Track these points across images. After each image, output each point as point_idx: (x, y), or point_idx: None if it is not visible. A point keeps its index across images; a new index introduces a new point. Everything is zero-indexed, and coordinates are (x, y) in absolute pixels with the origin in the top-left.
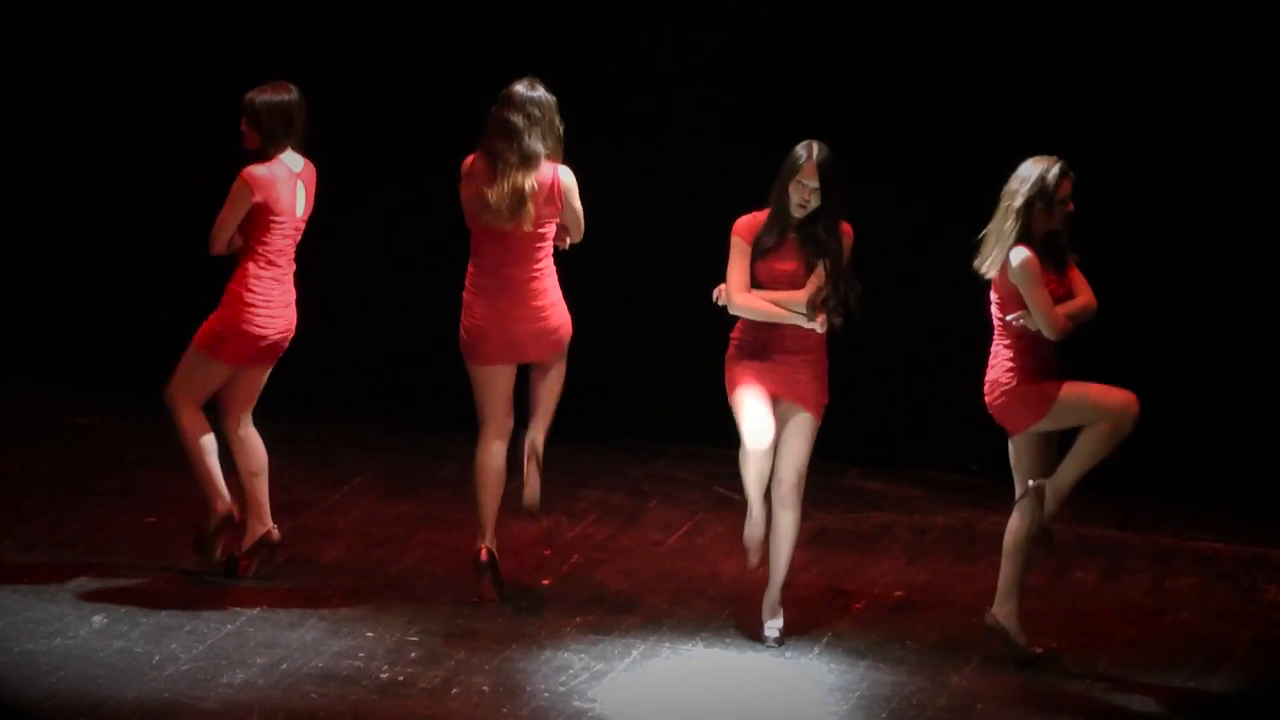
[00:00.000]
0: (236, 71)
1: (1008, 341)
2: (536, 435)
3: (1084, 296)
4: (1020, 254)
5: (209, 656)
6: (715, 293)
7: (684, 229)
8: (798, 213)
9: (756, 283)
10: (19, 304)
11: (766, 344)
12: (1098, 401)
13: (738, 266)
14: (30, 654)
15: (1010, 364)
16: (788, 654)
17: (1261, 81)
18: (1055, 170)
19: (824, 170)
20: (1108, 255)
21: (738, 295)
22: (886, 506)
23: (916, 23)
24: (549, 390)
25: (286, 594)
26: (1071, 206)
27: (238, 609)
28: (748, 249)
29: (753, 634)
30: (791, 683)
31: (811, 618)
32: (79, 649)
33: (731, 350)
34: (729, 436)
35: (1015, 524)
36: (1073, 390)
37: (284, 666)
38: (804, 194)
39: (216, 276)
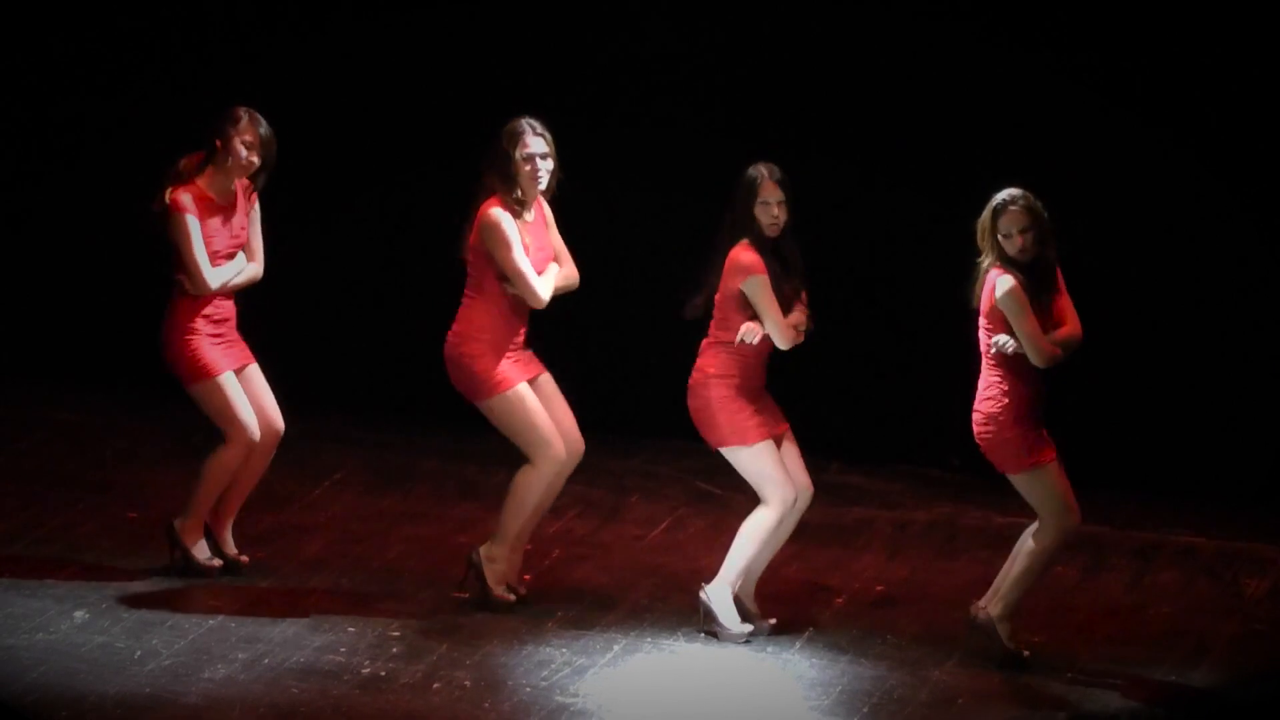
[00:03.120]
0: (232, 72)
1: (999, 373)
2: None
3: (1070, 325)
4: (1006, 282)
5: (190, 651)
6: (745, 330)
7: (662, 226)
8: (772, 232)
9: (792, 303)
10: (0, 300)
11: (756, 383)
12: (1059, 502)
13: (776, 303)
14: (11, 649)
15: (1004, 398)
16: (769, 649)
17: (1259, 79)
18: (996, 203)
19: (783, 183)
20: (1091, 255)
21: (790, 333)
22: (867, 501)
23: (909, 22)
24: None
25: (268, 589)
26: (1022, 240)
27: (219, 604)
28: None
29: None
30: (772, 677)
31: (793, 613)
32: (60, 644)
33: (725, 392)
34: None
35: (1035, 540)
36: (1052, 472)
37: (266, 661)
38: (772, 212)
39: None
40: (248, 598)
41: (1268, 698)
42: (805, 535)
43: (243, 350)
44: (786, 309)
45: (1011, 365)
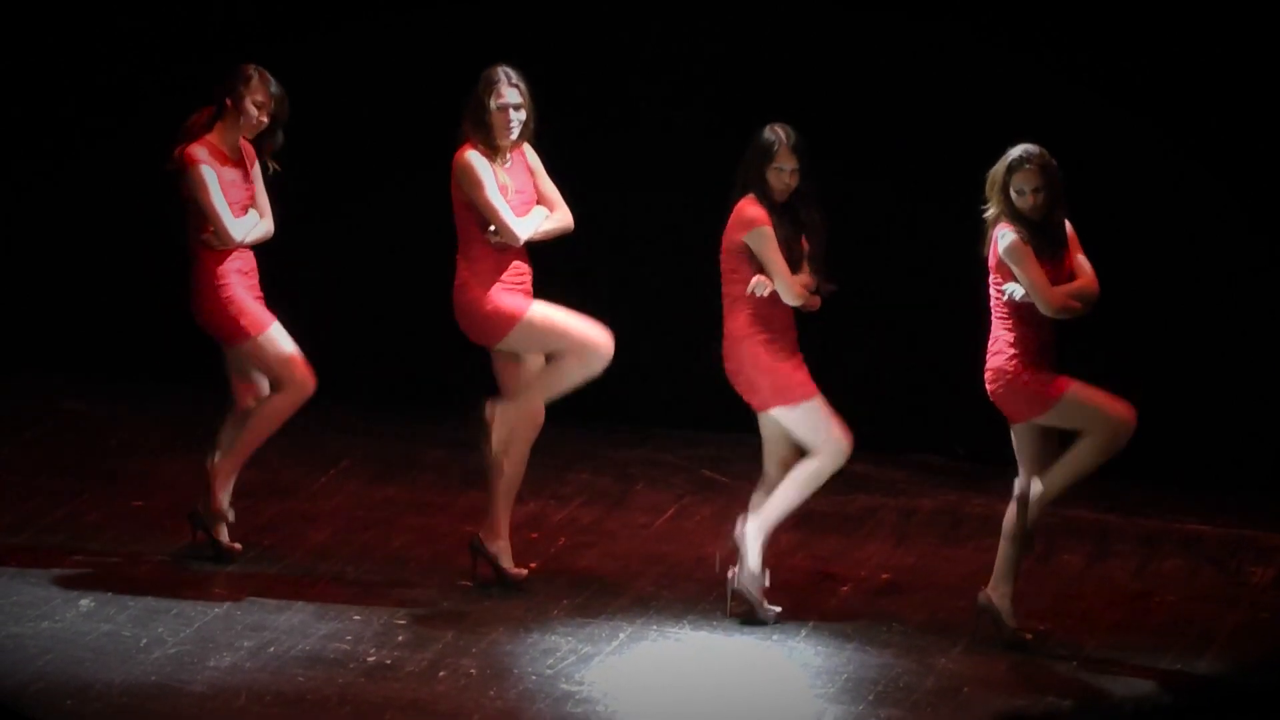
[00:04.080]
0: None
1: (1008, 324)
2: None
3: (1084, 278)
4: (1006, 235)
5: (196, 640)
6: (754, 283)
7: (667, 218)
8: (782, 197)
9: (799, 261)
10: (4, 290)
11: (788, 339)
12: (1098, 410)
13: (780, 257)
14: (17, 637)
15: (1011, 349)
16: (774, 637)
17: (1254, 74)
18: (1011, 158)
19: (799, 150)
20: (1096, 242)
21: (797, 288)
22: (873, 489)
23: (905, 17)
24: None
25: (273, 578)
26: (1034, 199)
27: (224, 592)
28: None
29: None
30: (778, 665)
31: (798, 601)
32: (66, 632)
33: (757, 350)
34: (714, 420)
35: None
36: (1077, 393)
37: (271, 649)
38: (785, 178)
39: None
40: (253, 586)
41: (1272, 686)
42: (810, 523)
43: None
44: (795, 270)
45: (1020, 315)
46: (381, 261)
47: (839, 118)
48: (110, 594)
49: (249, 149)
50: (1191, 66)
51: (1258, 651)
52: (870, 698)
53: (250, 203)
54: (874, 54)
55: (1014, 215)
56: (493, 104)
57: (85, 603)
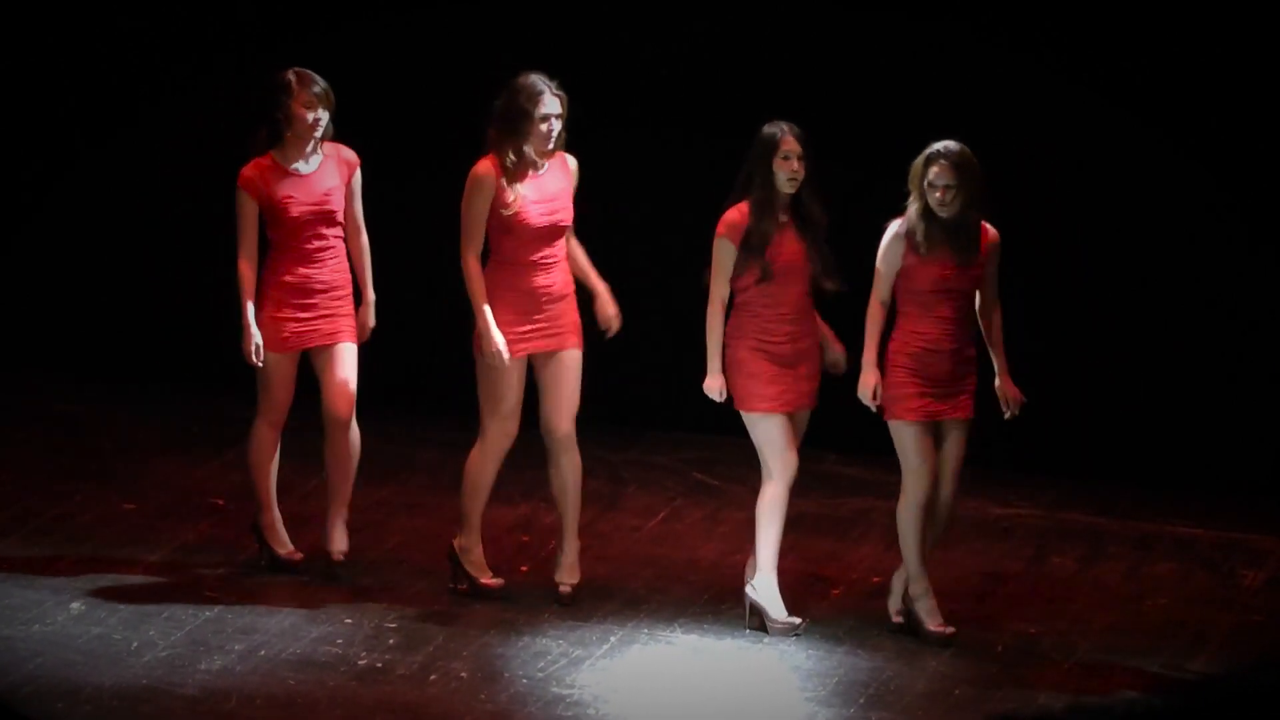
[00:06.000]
0: (231, 74)
1: (904, 312)
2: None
3: (998, 315)
4: (890, 230)
5: (187, 643)
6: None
7: (661, 218)
8: (789, 188)
9: (766, 271)
10: (1, 292)
11: (785, 345)
12: (906, 464)
13: (721, 278)
14: (8, 640)
15: (898, 338)
16: (765, 639)
17: (1254, 74)
18: (928, 151)
19: (803, 139)
20: (1095, 243)
21: (715, 306)
22: (865, 492)
23: (905, 17)
24: None
25: (264, 580)
26: (943, 195)
27: (216, 595)
28: (735, 253)
29: (731, 618)
30: (769, 668)
31: (789, 603)
32: (57, 635)
33: (740, 355)
34: (707, 423)
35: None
36: (908, 434)
37: (262, 653)
38: (792, 166)
39: (196, 265)
40: (244, 589)
41: (1264, 688)
42: (802, 526)
43: (334, 326)
44: (801, 259)
45: (920, 308)
46: (376, 263)
47: (839, 118)
48: (101, 597)
49: (342, 155)
50: (1191, 66)
51: (1250, 654)
52: (862, 700)
53: (325, 211)
54: (874, 54)
55: (924, 211)
56: (538, 113)
57: (76, 605)
